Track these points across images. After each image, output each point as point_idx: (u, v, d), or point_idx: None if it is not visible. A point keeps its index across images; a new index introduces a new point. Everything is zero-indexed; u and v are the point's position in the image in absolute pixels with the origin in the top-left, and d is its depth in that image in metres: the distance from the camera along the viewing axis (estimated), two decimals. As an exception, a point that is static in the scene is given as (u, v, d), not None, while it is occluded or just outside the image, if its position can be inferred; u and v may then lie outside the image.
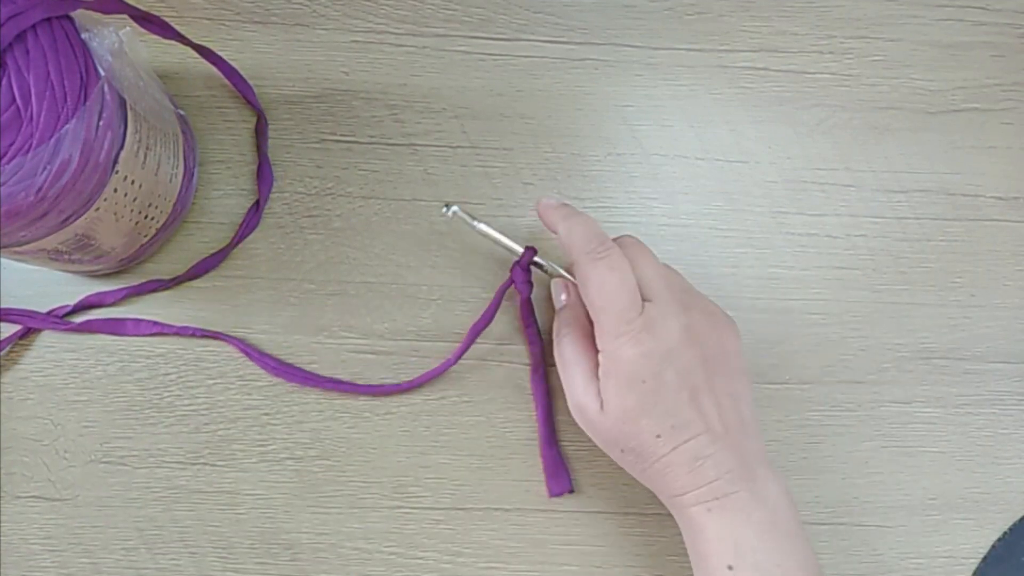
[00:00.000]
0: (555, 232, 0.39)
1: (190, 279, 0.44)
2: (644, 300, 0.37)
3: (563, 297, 0.41)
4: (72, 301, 0.43)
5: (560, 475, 0.43)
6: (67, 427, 0.43)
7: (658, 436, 0.36)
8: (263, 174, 0.44)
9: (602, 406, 0.37)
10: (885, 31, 0.48)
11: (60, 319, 0.43)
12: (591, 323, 0.38)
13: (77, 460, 0.43)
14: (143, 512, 0.43)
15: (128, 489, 0.43)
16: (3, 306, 0.43)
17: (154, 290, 0.43)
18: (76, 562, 0.42)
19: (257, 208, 0.44)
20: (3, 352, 0.43)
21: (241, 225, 0.44)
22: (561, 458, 0.43)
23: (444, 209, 0.41)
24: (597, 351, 0.37)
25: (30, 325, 0.43)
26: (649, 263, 0.38)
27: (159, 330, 0.43)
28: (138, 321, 0.43)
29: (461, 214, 0.41)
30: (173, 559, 0.42)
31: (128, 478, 0.43)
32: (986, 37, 0.48)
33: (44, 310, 0.43)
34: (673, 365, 0.36)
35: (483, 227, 0.41)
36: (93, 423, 0.43)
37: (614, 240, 0.39)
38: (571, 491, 0.43)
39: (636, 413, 0.36)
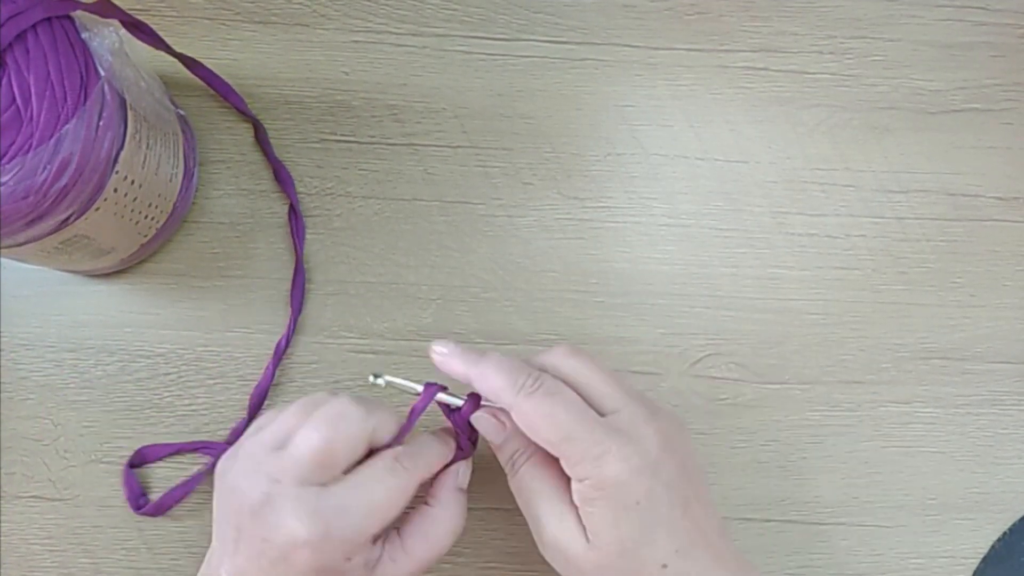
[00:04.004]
0: (465, 381, 0.34)
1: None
2: (606, 412, 0.33)
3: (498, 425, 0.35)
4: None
5: None
6: (67, 427, 0.43)
7: (664, 566, 0.32)
8: (281, 176, 0.44)
9: (588, 539, 0.32)
10: (885, 31, 0.48)
11: None
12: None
13: (77, 460, 0.43)
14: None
15: (128, 489, 0.43)
16: (4, 308, 0.43)
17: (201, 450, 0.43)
18: (76, 562, 0.42)
19: (295, 214, 0.44)
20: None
21: (293, 235, 0.44)
22: None
23: (371, 378, 0.35)
24: (564, 476, 0.33)
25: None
26: (595, 370, 0.34)
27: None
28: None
29: (392, 379, 0.35)
30: (173, 559, 0.43)
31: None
32: (986, 37, 0.48)
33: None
34: (661, 479, 0.32)
35: (411, 384, 0.35)
36: (93, 423, 0.43)
37: (547, 351, 0.35)
38: None
39: (636, 543, 0.31)
